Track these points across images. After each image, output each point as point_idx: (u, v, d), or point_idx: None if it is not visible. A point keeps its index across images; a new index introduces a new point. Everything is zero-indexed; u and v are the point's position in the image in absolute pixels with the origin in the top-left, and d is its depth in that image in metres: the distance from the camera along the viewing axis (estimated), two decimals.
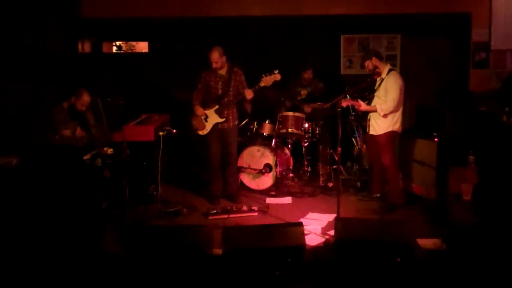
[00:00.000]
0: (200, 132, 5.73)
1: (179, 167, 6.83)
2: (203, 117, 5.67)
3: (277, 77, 5.47)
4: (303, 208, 5.61)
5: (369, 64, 5.43)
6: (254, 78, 5.70)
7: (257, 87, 5.49)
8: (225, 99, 5.61)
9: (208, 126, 5.68)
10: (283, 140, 6.59)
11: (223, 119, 5.65)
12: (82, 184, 5.13)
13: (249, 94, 5.48)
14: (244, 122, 6.75)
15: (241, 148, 6.24)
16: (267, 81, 5.46)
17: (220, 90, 5.63)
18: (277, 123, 6.37)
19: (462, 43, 7.61)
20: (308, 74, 6.91)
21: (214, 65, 5.52)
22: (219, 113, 5.64)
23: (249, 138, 6.68)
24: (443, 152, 5.45)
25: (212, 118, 5.66)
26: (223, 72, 5.61)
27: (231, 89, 5.62)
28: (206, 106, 5.67)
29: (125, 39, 8.24)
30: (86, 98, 5.52)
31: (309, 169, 6.66)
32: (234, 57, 5.77)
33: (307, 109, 6.61)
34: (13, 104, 5.73)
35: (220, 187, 5.90)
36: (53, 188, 5.05)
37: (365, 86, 5.69)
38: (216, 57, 5.48)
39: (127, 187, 5.02)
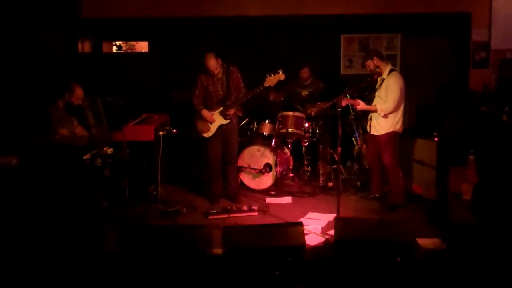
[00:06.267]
0: (205, 135, 5.74)
1: (179, 167, 6.83)
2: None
3: (281, 76, 5.49)
4: (303, 207, 5.61)
5: (370, 63, 5.41)
6: (253, 78, 5.70)
7: (261, 87, 5.50)
8: (228, 101, 5.61)
9: (213, 128, 5.69)
10: (283, 140, 6.59)
11: (228, 121, 5.67)
12: (82, 184, 5.13)
13: (231, 112, 5.60)
14: (244, 122, 6.75)
15: (241, 148, 6.24)
16: (271, 81, 5.47)
17: (221, 92, 5.63)
18: (277, 122, 6.37)
19: (462, 42, 7.61)
20: (305, 73, 6.85)
21: (213, 72, 5.51)
22: (223, 115, 5.64)
23: (249, 138, 6.67)
24: (443, 151, 5.45)
25: (217, 121, 5.67)
26: (219, 75, 5.61)
27: (232, 90, 5.62)
28: (209, 109, 5.67)
29: (125, 39, 8.24)
30: (79, 91, 5.47)
31: (309, 169, 6.66)
32: (234, 57, 5.77)
33: (312, 110, 6.54)
34: (13, 104, 5.73)
35: (220, 187, 5.90)
36: (53, 187, 5.05)
37: (365, 85, 5.68)
38: (214, 64, 5.47)
39: (127, 187, 5.01)
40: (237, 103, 5.64)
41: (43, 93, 6.18)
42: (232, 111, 5.64)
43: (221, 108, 5.64)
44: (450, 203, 4.89)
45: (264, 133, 6.59)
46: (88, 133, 5.63)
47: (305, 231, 4.24)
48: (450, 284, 3.68)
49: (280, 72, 5.47)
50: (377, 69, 5.40)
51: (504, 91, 7.09)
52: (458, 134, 5.74)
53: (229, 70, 5.62)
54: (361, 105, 5.43)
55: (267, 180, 6.28)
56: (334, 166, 6.33)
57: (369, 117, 5.57)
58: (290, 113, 6.36)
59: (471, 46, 7.54)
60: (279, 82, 5.55)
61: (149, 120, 5.83)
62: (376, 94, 5.47)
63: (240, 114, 6.14)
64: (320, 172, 6.42)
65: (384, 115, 5.31)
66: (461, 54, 7.63)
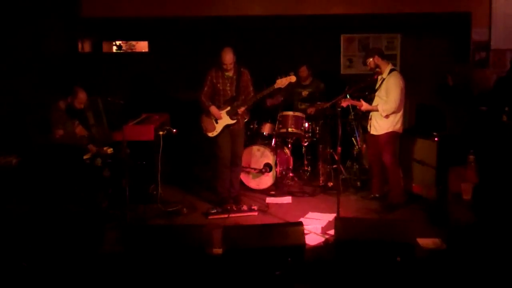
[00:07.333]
0: (210, 134, 5.68)
1: (179, 167, 6.83)
2: (213, 119, 5.64)
3: (293, 79, 5.51)
4: (303, 207, 5.61)
5: (371, 62, 5.40)
6: (253, 78, 5.69)
7: (271, 89, 5.49)
8: (236, 101, 5.56)
9: (218, 127, 5.64)
10: (283, 140, 6.59)
11: (235, 121, 5.63)
12: (82, 184, 5.13)
13: (241, 110, 5.56)
14: (244, 121, 6.73)
15: None
16: (282, 83, 5.47)
17: (229, 92, 5.59)
18: (277, 122, 6.36)
19: (462, 42, 7.61)
20: (303, 72, 6.79)
21: (227, 67, 5.45)
22: (230, 115, 5.60)
23: (249, 138, 6.67)
24: (443, 151, 5.45)
25: (223, 120, 5.62)
26: (230, 73, 5.55)
27: (241, 90, 5.59)
28: (216, 107, 5.62)
29: (125, 38, 8.24)
30: (82, 95, 5.48)
31: (309, 169, 6.65)
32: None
33: (311, 110, 6.55)
34: (13, 104, 5.73)
35: (227, 187, 5.78)
36: (53, 187, 5.05)
37: (365, 85, 5.68)
38: (231, 59, 5.42)
39: (127, 187, 5.01)
40: (247, 103, 5.58)
41: (43, 93, 6.19)
42: (242, 109, 5.55)
43: (229, 108, 5.59)
44: (450, 203, 4.89)
45: (264, 133, 6.59)
46: (88, 133, 5.63)
47: (305, 231, 4.23)
48: (450, 284, 3.68)
49: (292, 75, 5.48)
50: (377, 69, 5.40)
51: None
52: (458, 134, 5.73)
53: (240, 71, 5.58)
54: (364, 106, 5.43)
55: (267, 180, 6.28)
56: (334, 166, 6.32)
57: (369, 116, 5.57)
58: (290, 113, 6.36)
59: (471, 46, 7.54)
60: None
61: (149, 120, 5.83)
62: (376, 94, 5.47)
63: (247, 118, 6.10)
64: (320, 172, 6.42)
65: (386, 115, 5.31)
66: (461, 54, 7.63)
